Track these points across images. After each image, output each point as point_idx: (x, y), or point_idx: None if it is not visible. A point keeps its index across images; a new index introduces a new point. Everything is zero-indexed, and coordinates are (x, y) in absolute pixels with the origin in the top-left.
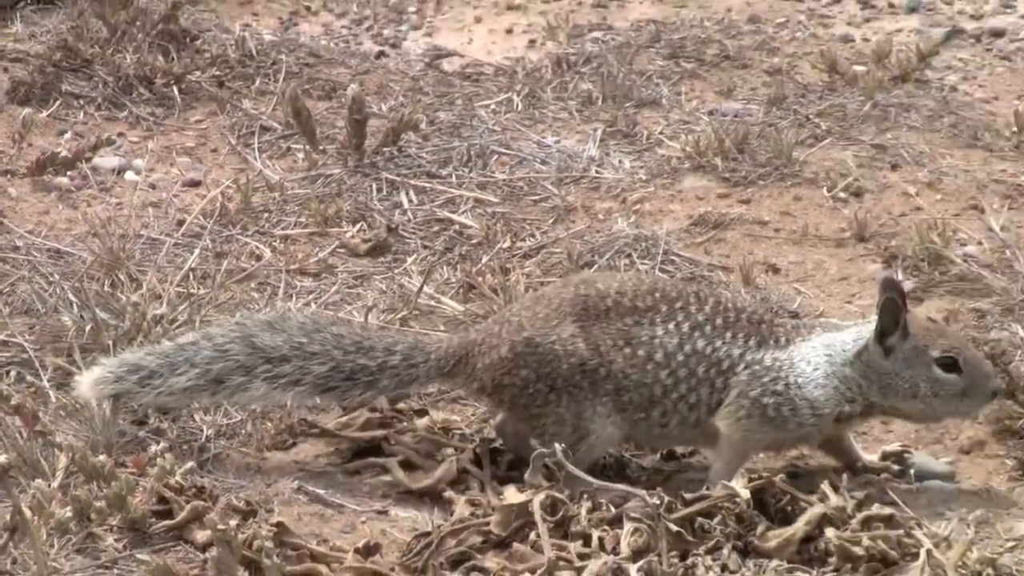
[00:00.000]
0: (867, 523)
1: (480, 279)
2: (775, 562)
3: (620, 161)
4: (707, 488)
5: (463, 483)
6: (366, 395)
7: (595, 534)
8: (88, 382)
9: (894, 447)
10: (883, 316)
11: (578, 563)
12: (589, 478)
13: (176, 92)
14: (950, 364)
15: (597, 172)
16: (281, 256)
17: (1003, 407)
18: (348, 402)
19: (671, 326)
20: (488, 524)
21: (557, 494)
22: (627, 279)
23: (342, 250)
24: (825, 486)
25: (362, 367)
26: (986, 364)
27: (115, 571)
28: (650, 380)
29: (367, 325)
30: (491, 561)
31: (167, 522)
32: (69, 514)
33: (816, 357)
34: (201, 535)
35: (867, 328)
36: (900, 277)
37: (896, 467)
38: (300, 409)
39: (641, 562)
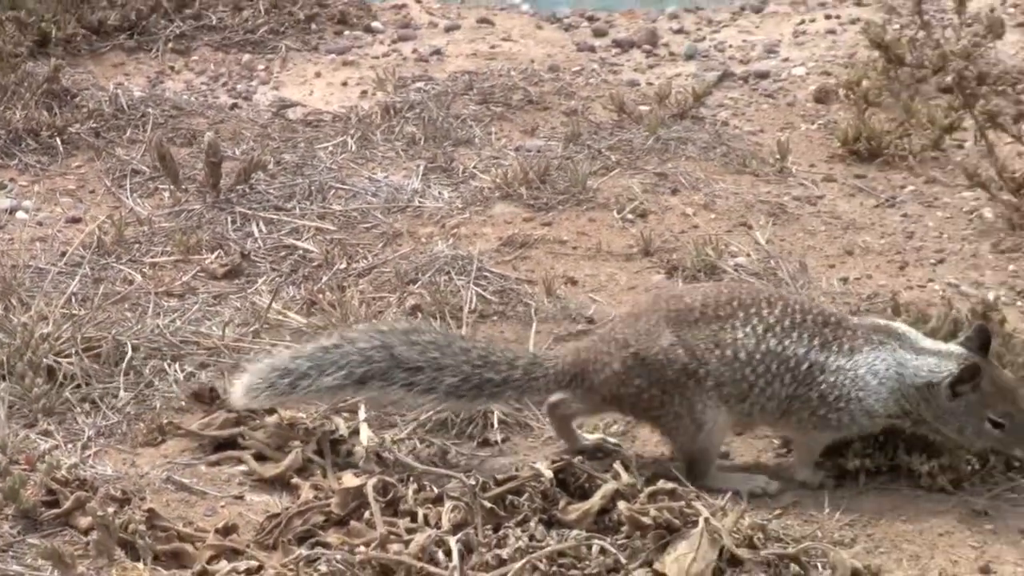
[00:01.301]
0: (653, 496)
1: (320, 296)
2: (575, 532)
3: (440, 192)
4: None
5: (308, 471)
6: (490, 403)
7: (420, 512)
8: (240, 391)
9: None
10: (963, 371)
11: (406, 536)
12: (414, 463)
13: (59, 142)
14: (998, 423)
15: (420, 202)
16: (150, 280)
17: None
18: (474, 408)
19: (748, 329)
20: (329, 505)
21: (387, 478)
22: (709, 290)
23: (202, 274)
24: (617, 465)
25: (488, 380)
26: None
27: (10, 554)
28: (739, 377)
29: (492, 340)
30: (332, 537)
31: (55, 511)
32: None
33: (886, 371)
34: (84, 521)
35: (945, 363)
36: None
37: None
38: (168, 412)
39: (460, 534)
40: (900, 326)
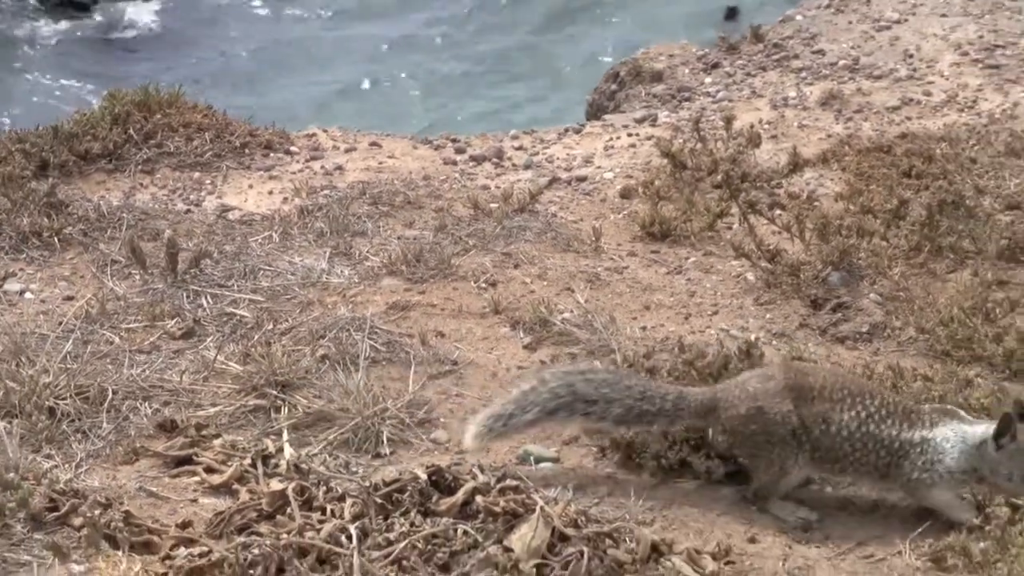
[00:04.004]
0: (502, 491)
1: (253, 350)
2: (445, 519)
3: (341, 271)
4: None
5: (245, 479)
6: (648, 428)
7: (328, 507)
8: (469, 438)
9: None
10: (1000, 425)
11: (318, 526)
12: (324, 471)
13: (56, 241)
14: None
15: (327, 279)
16: (125, 341)
17: None
18: (635, 431)
19: (852, 413)
20: (261, 504)
21: (304, 483)
22: (827, 376)
23: (165, 336)
24: (475, 468)
25: (646, 411)
26: None
27: (22, 548)
28: (836, 448)
29: (651, 379)
30: (263, 528)
31: (55, 514)
32: None
33: (954, 436)
34: (77, 521)
35: (990, 429)
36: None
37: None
38: (140, 438)
39: (358, 523)
40: (955, 409)
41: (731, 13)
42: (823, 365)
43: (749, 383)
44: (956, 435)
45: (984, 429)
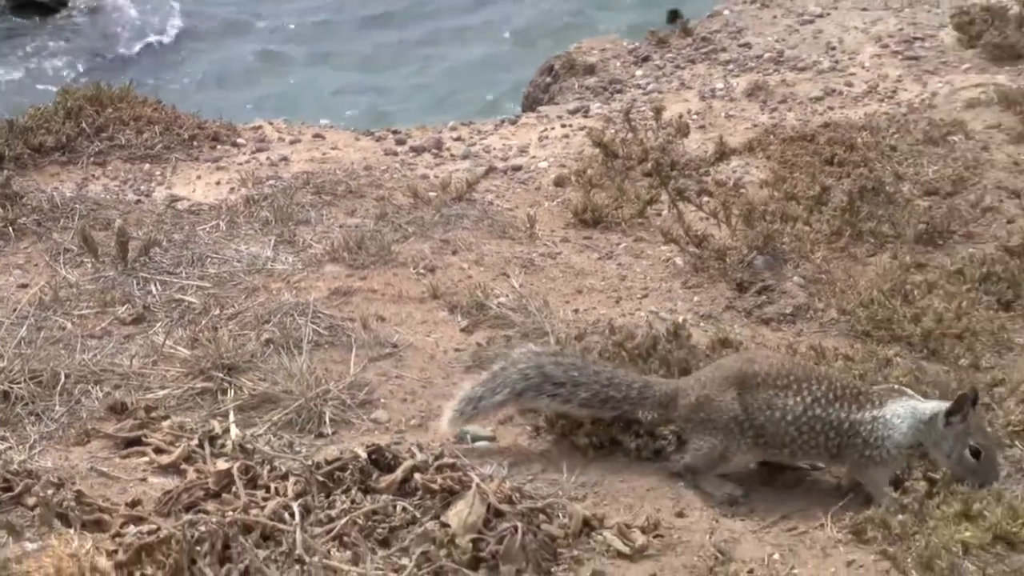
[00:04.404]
0: (440, 469)
1: (201, 335)
2: (384, 496)
3: (286, 258)
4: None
5: (193, 459)
6: (612, 414)
7: (272, 485)
8: (445, 423)
9: None
10: (954, 404)
11: (262, 503)
12: (269, 451)
13: (11, 231)
14: (975, 452)
15: (272, 265)
16: (78, 327)
17: None
18: (601, 416)
19: (798, 398)
20: (208, 483)
21: (249, 462)
22: (774, 362)
23: (116, 321)
24: (414, 447)
25: (611, 396)
26: (997, 467)
27: None
28: (782, 433)
29: (618, 366)
30: (210, 506)
31: (9, 494)
32: None
33: (904, 412)
34: (31, 500)
35: (944, 404)
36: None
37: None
38: (91, 420)
39: (300, 500)
40: (904, 388)
41: (673, 16)
42: (774, 352)
43: (704, 372)
44: (906, 410)
45: (935, 405)
